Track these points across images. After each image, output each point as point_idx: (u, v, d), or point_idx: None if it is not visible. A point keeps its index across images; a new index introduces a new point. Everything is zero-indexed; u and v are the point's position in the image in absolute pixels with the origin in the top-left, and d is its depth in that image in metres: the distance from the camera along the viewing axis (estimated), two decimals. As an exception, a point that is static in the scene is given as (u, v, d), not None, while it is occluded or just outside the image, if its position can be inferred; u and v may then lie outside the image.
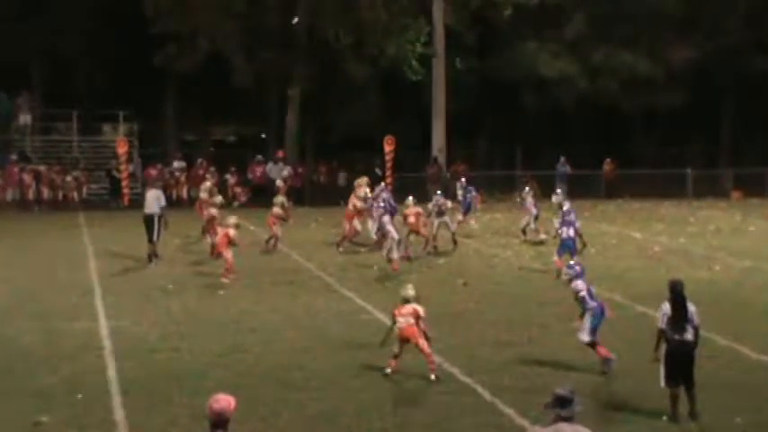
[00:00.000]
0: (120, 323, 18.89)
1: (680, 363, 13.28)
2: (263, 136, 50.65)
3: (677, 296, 13.41)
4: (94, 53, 44.68)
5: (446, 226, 27.59)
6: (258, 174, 42.37)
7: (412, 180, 42.91)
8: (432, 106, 44.55)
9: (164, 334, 18.09)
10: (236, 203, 40.02)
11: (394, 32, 43.06)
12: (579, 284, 15.80)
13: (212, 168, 41.46)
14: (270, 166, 42.57)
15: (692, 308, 13.40)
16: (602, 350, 15.67)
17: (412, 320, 15.28)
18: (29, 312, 19.83)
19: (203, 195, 27.82)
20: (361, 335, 18.05)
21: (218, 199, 27.01)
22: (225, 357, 16.51)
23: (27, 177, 39.99)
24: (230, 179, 41.43)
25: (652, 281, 23.05)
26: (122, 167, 40.52)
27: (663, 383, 13.37)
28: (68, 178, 40.37)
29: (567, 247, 23.78)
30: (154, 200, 25.95)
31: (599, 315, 15.61)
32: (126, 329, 18.44)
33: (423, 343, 15.24)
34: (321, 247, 26.53)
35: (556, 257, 23.90)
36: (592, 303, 15.63)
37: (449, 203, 28.21)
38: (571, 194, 40.92)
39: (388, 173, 40.83)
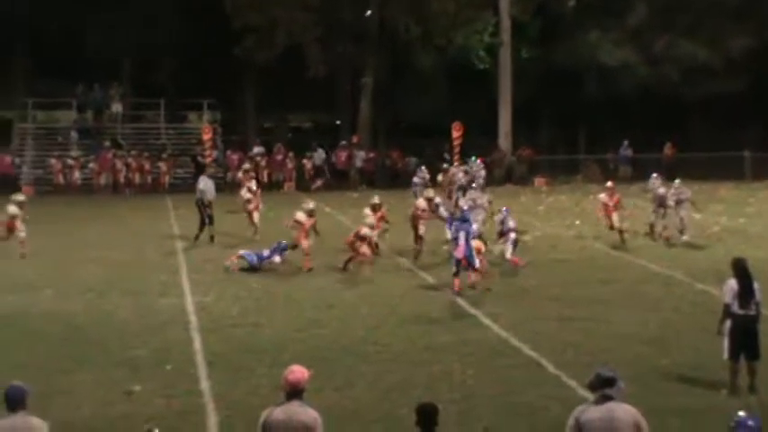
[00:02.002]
0: (205, 299, 19.10)
1: (745, 336, 13.12)
2: (338, 123, 50.77)
3: (742, 273, 13.26)
4: (180, 46, 45.12)
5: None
6: (342, 159, 42.54)
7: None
8: (498, 93, 44.38)
9: (245, 309, 18.26)
10: (313, 187, 40.22)
11: (462, 24, 42.91)
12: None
13: (291, 153, 41.63)
14: (314, 153, 42.66)
15: (755, 285, 13.27)
16: None
17: None
18: (121, 289, 20.13)
19: (245, 194, 27.18)
20: (431, 311, 18.10)
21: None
22: (302, 332, 16.61)
23: (119, 163, 40.63)
24: (307, 164, 41.61)
25: (711, 259, 22.78)
26: (207, 153, 40.90)
27: (726, 356, 13.21)
28: (160, 164, 40.91)
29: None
30: (209, 186, 26.54)
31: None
32: (210, 305, 18.64)
33: None
34: (392, 229, 26.51)
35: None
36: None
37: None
38: (633, 177, 40.63)
39: (456, 157, 40.66)
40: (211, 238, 25.98)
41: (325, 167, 42.29)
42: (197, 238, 25.88)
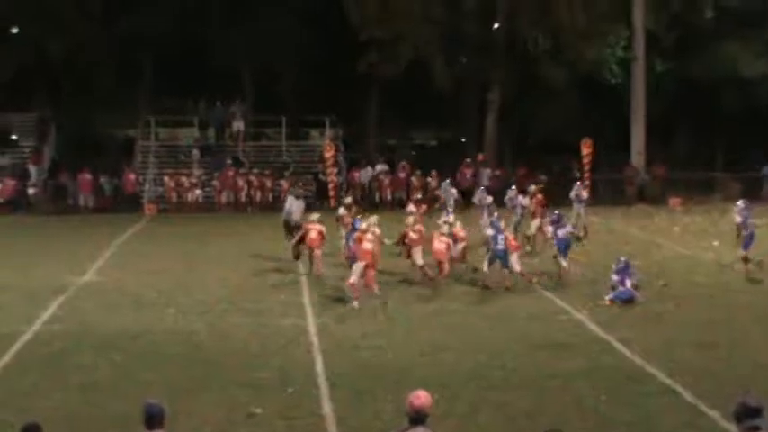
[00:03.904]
0: (327, 320, 19.27)
1: None
2: (463, 140, 50.73)
3: None
4: (302, 62, 45.72)
5: None
6: (468, 176, 42.43)
7: (609, 182, 42.40)
8: (630, 109, 43.79)
9: (367, 332, 18.35)
10: (437, 206, 40.17)
11: (593, 37, 42.46)
12: None
13: (418, 172, 41.62)
14: (361, 170, 42.57)
15: None
16: None
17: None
18: (242, 309, 20.44)
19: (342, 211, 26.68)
20: (561, 335, 17.93)
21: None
22: (426, 355, 16.61)
23: (240, 181, 41.28)
24: (431, 182, 41.58)
25: None
26: (329, 171, 41.29)
27: None
28: (282, 182, 41.41)
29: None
30: (300, 206, 26.71)
31: None
32: (332, 327, 18.79)
33: None
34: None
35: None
36: None
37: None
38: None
39: (586, 175, 40.26)
40: (296, 256, 25.71)
41: (367, 186, 42.02)
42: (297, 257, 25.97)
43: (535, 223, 27.84)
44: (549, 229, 24.60)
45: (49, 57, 42.97)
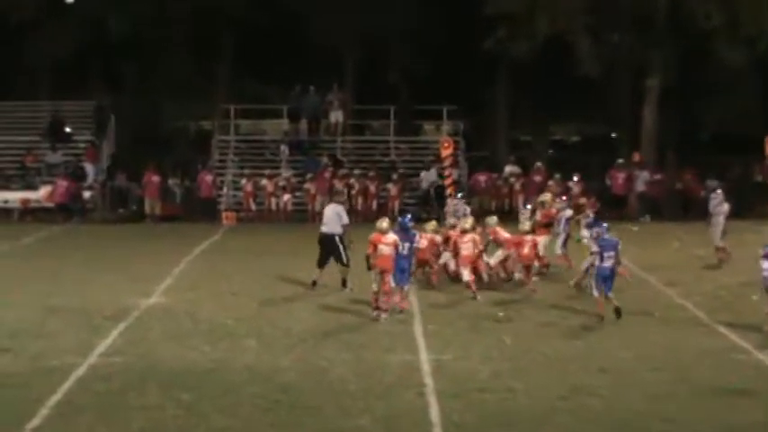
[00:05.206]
0: (444, 357, 19.22)
1: None
2: (614, 135, 50.37)
3: None
4: (414, 39, 45.83)
5: None
6: (619, 181, 42.02)
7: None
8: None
9: (495, 371, 18.26)
10: (578, 217, 39.88)
11: (782, 6, 41.84)
12: None
13: (557, 175, 41.41)
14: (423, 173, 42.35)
15: None
16: None
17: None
18: (339, 341, 20.51)
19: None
20: (736, 379, 17.63)
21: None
22: (568, 400, 16.48)
23: (338, 184, 41.43)
24: (574, 188, 41.32)
25: None
26: (446, 173, 41.24)
27: None
28: (389, 185, 41.53)
29: None
30: (334, 216, 26.12)
31: None
32: (451, 364, 18.74)
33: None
34: (685, 271, 26.06)
35: None
36: None
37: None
38: None
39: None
40: (343, 282, 25.86)
41: (431, 195, 41.70)
42: (344, 284, 25.97)
43: (543, 240, 27.33)
44: (585, 233, 25.81)
45: (108, 35, 43.84)
